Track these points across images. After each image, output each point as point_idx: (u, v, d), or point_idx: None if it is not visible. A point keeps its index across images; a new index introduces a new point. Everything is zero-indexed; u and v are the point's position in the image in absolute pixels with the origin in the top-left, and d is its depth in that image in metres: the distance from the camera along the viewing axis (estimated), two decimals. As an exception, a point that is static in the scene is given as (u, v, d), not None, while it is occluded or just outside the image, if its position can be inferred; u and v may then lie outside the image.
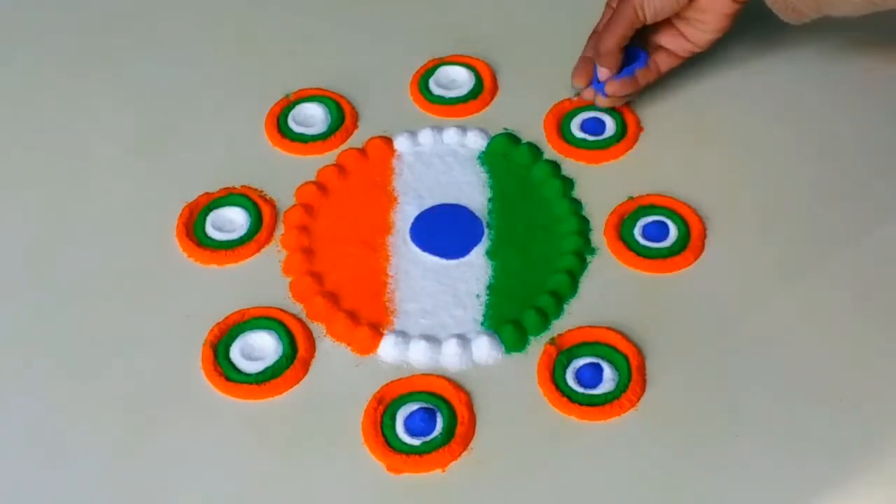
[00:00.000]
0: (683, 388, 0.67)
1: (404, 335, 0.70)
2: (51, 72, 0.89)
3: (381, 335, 0.70)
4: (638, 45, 0.80)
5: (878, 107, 0.83)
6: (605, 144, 0.81)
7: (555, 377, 0.68)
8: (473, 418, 0.66)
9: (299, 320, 0.71)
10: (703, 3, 0.75)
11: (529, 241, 0.75)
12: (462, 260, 0.74)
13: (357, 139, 0.82)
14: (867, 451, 0.65)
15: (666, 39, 0.80)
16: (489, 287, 0.73)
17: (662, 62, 0.81)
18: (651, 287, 0.73)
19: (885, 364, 0.69)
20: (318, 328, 0.71)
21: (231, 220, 0.77)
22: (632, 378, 0.67)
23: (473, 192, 0.78)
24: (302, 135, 0.82)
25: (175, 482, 0.64)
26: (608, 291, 0.72)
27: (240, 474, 0.65)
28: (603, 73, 0.79)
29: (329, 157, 0.81)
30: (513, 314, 0.71)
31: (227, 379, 0.68)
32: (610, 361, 0.68)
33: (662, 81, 0.84)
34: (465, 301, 0.72)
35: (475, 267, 0.74)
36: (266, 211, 0.77)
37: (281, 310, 0.71)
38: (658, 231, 0.75)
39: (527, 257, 0.74)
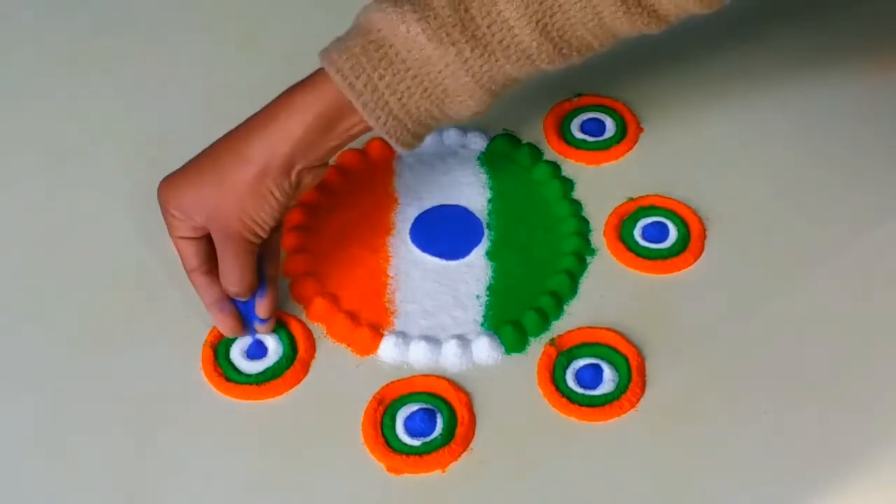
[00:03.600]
0: (683, 388, 0.68)
1: (404, 336, 0.70)
2: (51, 72, 0.89)
3: (381, 336, 0.70)
4: None
5: (879, 107, 0.83)
6: (605, 145, 0.81)
7: (555, 378, 0.68)
8: (473, 419, 0.66)
9: (299, 321, 0.71)
10: (300, 185, 0.68)
11: (529, 242, 0.75)
12: (462, 261, 0.74)
13: (357, 140, 0.82)
14: (867, 451, 0.65)
15: None
16: (489, 288, 0.73)
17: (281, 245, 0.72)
18: (651, 288, 0.73)
19: (885, 364, 0.69)
20: (318, 329, 0.71)
21: (231, 221, 0.77)
22: (632, 379, 0.67)
23: (473, 193, 0.78)
24: (302, 135, 0.82)
25: (175, 482, 0.64)
26: (608, 292, 0.72)
27: (240, 474, 0.65)
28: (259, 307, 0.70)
29: (329, 157, 0.81)
30: (513, 315, 0.71)
31: (228, 379, 0.68)
32: (610, 362, 0.68)
33: (662, 82, 0.84)
34: (465, 302, 0.72)
35: (475, 268, 0.74)
36: (266, 211, 0.77)
37: (281, 310, 0.71)
38: (658, 232, 0.75)
39: (527, 258, 0.74)
